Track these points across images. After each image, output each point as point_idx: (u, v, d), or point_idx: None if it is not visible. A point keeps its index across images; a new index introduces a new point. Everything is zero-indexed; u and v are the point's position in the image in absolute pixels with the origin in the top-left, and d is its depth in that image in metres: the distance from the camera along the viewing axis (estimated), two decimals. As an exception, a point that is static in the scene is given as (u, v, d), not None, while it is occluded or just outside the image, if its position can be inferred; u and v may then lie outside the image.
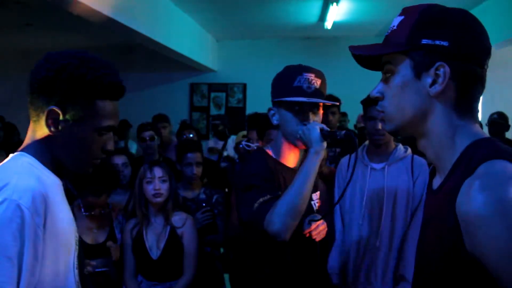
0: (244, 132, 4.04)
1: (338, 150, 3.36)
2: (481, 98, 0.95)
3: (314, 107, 1.63)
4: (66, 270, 1.09)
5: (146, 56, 6.99)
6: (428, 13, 0.91)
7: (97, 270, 2.32)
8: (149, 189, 2.43)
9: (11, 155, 1.12)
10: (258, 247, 1.68)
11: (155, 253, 2.42)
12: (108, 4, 3.96)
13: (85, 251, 2.38)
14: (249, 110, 7.72)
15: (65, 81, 1.06)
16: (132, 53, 7.20)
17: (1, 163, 1.10)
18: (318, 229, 1.66)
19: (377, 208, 2.21)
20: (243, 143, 3.16)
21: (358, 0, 5.60)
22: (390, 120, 0.97)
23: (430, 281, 0.89)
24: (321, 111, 1.67)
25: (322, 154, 1.57)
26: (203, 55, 7.31)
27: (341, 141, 1.54)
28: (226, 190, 3.64)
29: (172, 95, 8.22)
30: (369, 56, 1.00)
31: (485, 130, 4.29)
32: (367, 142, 2.35)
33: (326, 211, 1.92)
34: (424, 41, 0.89)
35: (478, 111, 0.95)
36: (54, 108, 1.07)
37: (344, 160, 2.41)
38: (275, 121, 1.67)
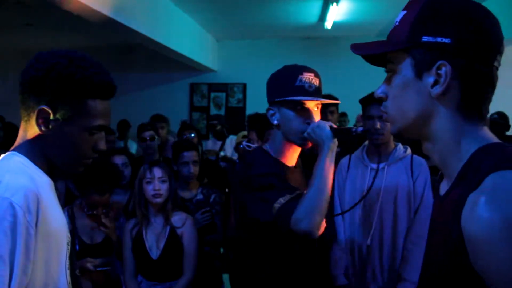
0: (244, 132, 4.04)
1: (338, 149, 3.36)
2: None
3: (315, 106, 1.64)
4: (58, 270, 1.09)
5: (146, 56, 7.00)
6: (430, 6, 0.84)
7: (98, 269, 2.32)
8: (149, 190, 2.43)
9: (2, 155, 1.12)
10: (264, 248, 1.67)
11: (155, 253, 2.42)
12: (108, 4, 3.96)
13: (84, 251, 2.39)
14: (249, 110, 7.72)
15: (54, 80, 1.06)
16: (132, 53, 7.21)
17: None
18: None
19: (378, 208, 2.21)
20: (244, 143, 3.16)
21: (358, 0, 5.60)
22: (393, 122, 0.92)
23: (434, 284, 0.87)
24: (319, 109, 1.68)
25: (335, 150, 1.57)
26: (203, 55, 7.31)
27: (354, 138, 1.55)
28: (227, 190, 3.65)
29: (172, 95, 8.22)
30: (370, 55, 0.94)
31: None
32: (367, 142, 2.35)
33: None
34: (424, 38, 0.83)
35: (487, 112, 0.87)
36: (44, 108, 1.07)
37: (344, 161, 2.41)
38: (275, 120, 1.66)
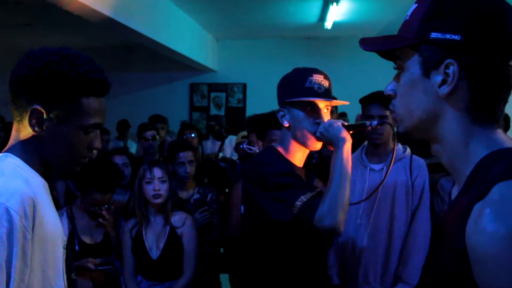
0: (244, 133, 4.04)
1: None
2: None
3: (325, 108, 1.67)
4: (55, 274, 1.06)
5: (146, 56, 7.00)
6: None
7: (99, 268, 2.32)
8: (149, 190, 2.43)
9: None
10: (278, 248, 1.67)
11: (154, 253, 2.42)
12: (108, 4, 3.96)
13: (84, 251, 2.39)
14: (249, 110, 7.72)
15: (47, 79, 1.03)
16: (132, 53, 7.22)
17: None
18: None
19: (375, 208, 2.21)
20: (244, 145, 3.16)
21: (358, 0, 5.60)
22: (401, 122, 0.87)
23: (440, 285, 0.83)
24: (329, 111, 1.71)
25: (350, 146, 1.59)
26: (203, 55, 7.31)
27: (370, 132, 1.54)
28: (226, 190, 3.65)
29: (172, 95, 8.22)
30: (381, 51, 0.89)
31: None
32: (366, 143, 2.35)
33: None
34: (433, 35, 0.77)
35: (502, 114, 0.81)
36: (38, 107, 1.04)
37: None
38: (285, 121, 1.68)
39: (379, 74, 7.08)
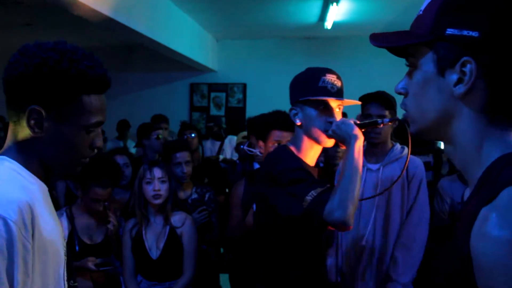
0: (245, 133, 4.04)
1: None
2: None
3: (337, 107, 1.70)
4: (56, 282, 1.03)
5: (146, 56, 7.00)
6: None
7: (101, 269, 2.32)
8: (149, 190, 2.43)
9: None
10: (288, 244, 1.68)
11: (154, 253, 2.42)
12: (108, 4, 3.96)
13: (84, 251, 2.39)
14: (249, 110, 7.72)
15: (46, 77, 0.97)
16: (132, 53, 7.22)
17: None
18: None
19: (371, 208, 2.22)
20: (245, 147, 3.16)
21: (358, 0, 5.60)
22: (412, 122, 0.84)
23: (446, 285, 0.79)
24: (341, 110, 1.74)
25: (362, 144, 1.61)
26: (203, 55, 7.31)
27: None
28: (227, 190, 3.65)
29: (172, 95, 8.22)
30: (389, 48, 0.85)
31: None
32: (365, 143, 2.35)
33: None
34: (449, 31, 0.73)
35: None
36: (36, 108, 0.98)
37: (343, 161, 2.42)
38: (297, 120, 1.71)
39: (379, 74, 7.09)
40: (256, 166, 3.22)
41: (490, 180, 0.71)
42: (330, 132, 1.63)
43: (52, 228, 1.03)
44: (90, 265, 2.30)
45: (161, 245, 2.42)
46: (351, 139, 1.57)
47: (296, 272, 1.68)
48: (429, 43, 0.76)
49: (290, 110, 1.73)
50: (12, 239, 0.89)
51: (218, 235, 2.83)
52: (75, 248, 2.37)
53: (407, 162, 1.64)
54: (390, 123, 1.56)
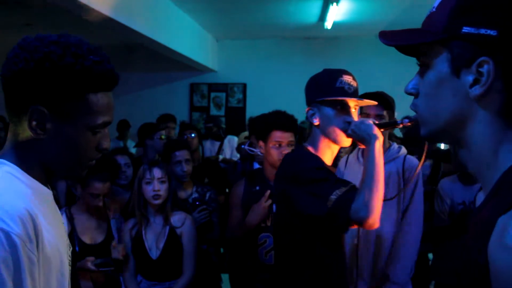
0: (246, 133, 4.05)
1: None
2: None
3: (354, 107, 1.73)
4: None
5: (146, 56, 7.00)
6: None
7: (101, 269, 2.32)
8: (148, 190, 2.43)
9: None
10: (309, 243, 1.69)
11: (154, 253, 2.42)
12: (108, 4, 3.96)
13: (84, 251, 2.38)
14: (249, 110, 7.73)
15: (49, 73, 0.89)
16: (132, 53, 7.21)
17: None
18: None
19: None
20: (246, 147, 3.17)
21: (358, 0, 5.60)
22: (424, 124, 0.79)
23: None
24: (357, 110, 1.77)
25: (382, 144, 1.63)
26: (203, 55, 7.31)
27: (402, 130, 1.57)
28: (227, 190, 3.65)
29: (172, 95, 8.22)
30: (399, 46, 0.80)
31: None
32: None
33: None
34: (465, 29, 0.69)
35: None
36: (38, 107, 0.90)
37: (342, 161, 2.43)
38: (315, 120, 1.72)
39: (378, 74, 7.10)
40: (256, 166, 3.22)
41: (506, 187, 0.68)
42: (349, 131, 1.65)
43: (56, 237, 0.96)
44: (90, 265, 2.30)
45: (161, 245, 2.42)
46: (372, 138, 1.59)
47: (315, 271, 1.68)
48: (443, 41, 0.72)
49: (307, 110, 1.75)
50: (18, 254, 0.83)
51: (219, 235, 2.83)
52: (75, 249, 2.37)
53: (421, 163, 1.63)
54: (409, 124, 1.57)
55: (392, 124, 1.70)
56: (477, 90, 0.70)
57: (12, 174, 0.92)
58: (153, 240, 2.44)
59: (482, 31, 0.68)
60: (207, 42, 7.66)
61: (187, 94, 8.38)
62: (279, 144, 2.32)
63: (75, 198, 2.64)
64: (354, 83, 1.71)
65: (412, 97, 0.83)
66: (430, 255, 3.31)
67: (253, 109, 6.35)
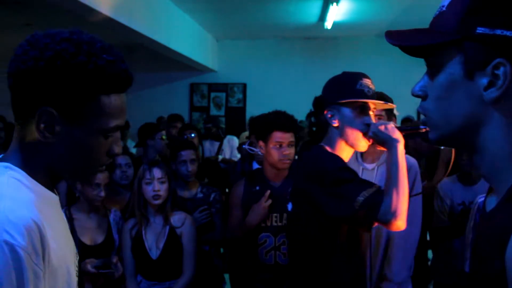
0: (247, 133, 4.05)
1: None
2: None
3: (372, 110, 1.75)
4: None
5: (146, 56, 7.01)
6: None
7: (101, 271, 2.31)
8: (148, 190, 2.42)
9: None
10: (332, 243, 1.70)
11: (154, 253, 2.42)
12: (108, 4, 3.97)
13: (84, 252, 2.38)
14: (249, 110, 7.73)
15: (60, 72, 0.83)
16: (132, 53, 7.21)
17: None
18: None
19: None
20: (246, 146, 3.17)
21: (358, 0, 5.61)
22: (434, 128, 0.76)
23: None
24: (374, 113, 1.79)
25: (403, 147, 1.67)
26: (203, 55, 7.32)
27: (424, 134, 1.59)
28: (227, 190, 3.65)
29: (172, 95, 8.23)
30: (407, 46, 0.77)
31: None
32: None
33: None
34: (479, 30, 0.66)
35: None
36: (48, 109, 0.85)
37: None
38: (334, 122, 1.74)
39: (378, 74, 7.11)
40: (256, 166, 3.22)
41: None
42: (370, 134, 1.67)
43: (63, 247, 0.90)
44: (90, 267, 2.29)
45: (161, 245, 2.42)
46: (394, 142, 1.60)
47: (331, 269, 1.69)
48: (456, 42, 0.69)
49: (325, 112, 1.76)
50: (22, 268, 0.78)
51: (221, 237, 2.83)
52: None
53: (452, 161, 1.67)
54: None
55: (415, 129, 1.72)
56: (493, 93, 0.67)
57: (17, 179, 0.86)
58: (153, 240, 2.44)
59: (498, 31, 0.65)
60: (207, 42, 7.66)
61: (187, 94, 8.38)
62: (279, 145, 2.32)
63: (75, 198, 2.64)
64: (372, 86, 1.74)
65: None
66: (430, 255, 3.31)
67: (253, 109, 6.35)
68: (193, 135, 4.17)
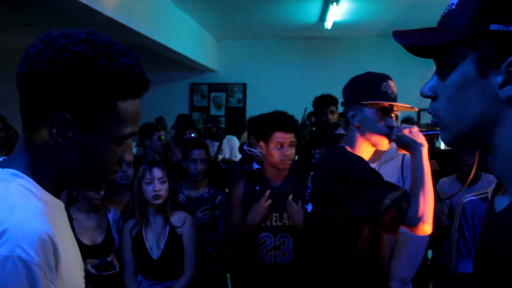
0: (248, 133, 4.05)
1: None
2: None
3: (393, 111, 1.76)
4: None
5: (146, 56, 7.00)
6: None
7: (103, 274, 2.30)
8: (149, 190, 2.42)
9: None
10: (351, 248, 1.69)
11: (155, 253, 2.42)
12: (108, 4, 3.97)
13: (83, 252, 2.37)
14: (249, 110, 7.74)
15: (77, 75, 0.79)
16: (132, 53, 7.22)
17: None
18: None
19: None
20: (245, 147, 3.17)
21: (358, 0, 5.61)
22: (445, 128, 0.74)
23: None
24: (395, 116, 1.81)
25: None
26: (203, 55, 7.32)
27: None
28: (227, 190, 3.65)
29: (172, 95, 8.23)
30: (415, 46, 0.75)
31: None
32: None
33: None
34: (493, 27, 0.64)
35: None
36: (63, 114, 0.80)
37: None
38: (355, 122, 1.74)
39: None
40: (256, 166, 3.22)
41: None
42: (393, 136, 1.67)
43: (71, 256, 0.88)
44: (90, 268, 2.28)
45: (162, 245, 2.42)
46: (418, 146, 1.61)
47: (352, 268, 1.69)
48: (468, 40, 0.67)
49: (348, 111, 1.77)
50: (37, 286, 0.73)
51: (223, 239, 2.83)
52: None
53: (475, 166, 1.68)
54: None
55: (437, 133, 1.73)
56: (508, 91, 0.65)
57: (26, 188, 0.82)
58: (154, 240, 2.44)
59: None
60: (207, 42, 7.66)
61: (187, 94, 8.39)
62: (280, 145, 2.32)
63: (75, 198, 2.64)
64: (395, 89, 1.74)
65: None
66: (430, 255, 3.31)
67: (253, 109, 6.36)
68: (193, 135, 4.17)
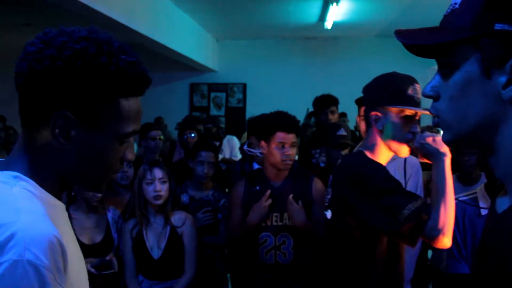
0: (248, 133, 4.05)
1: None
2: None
3: (417, 117, 1.70)
4: None
5: (146, 56, 6.98)
6: None
7: (103, 273, 2.31)
8: (149, 191, 2.42)
9: None
10: (369, 257, 1.66)
11: (156, 253, 2.42)
12: (108, 4, 3.97)
13: (82, 251, 2.38)
14: (249, 110, 7.74)
15: (79, 73, 0.78)
16: (132, 53, 7.22)
17: None
18: None
19: None
20: (245, 147, 3.16)
21: (358, 0, 5.61)
22: (447, 129, 0.73)
23: None
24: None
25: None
26: (203, 55, 7.32)
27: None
28: (226, 190, 3.65)
29: (172, 95, 8.23)
30: (418, 45, 0.74)
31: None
32: None
33: None
34: (497, 26, 0.64)
35: None
36: (65, 113, 0.79)
37: None
38: (379, 126, 1.67)
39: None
40: (256, 166, 3.22)
41: None
42: (416, 144, 1.61)
43: (76, 257, 0.87)
44: (89, 268, 2.28)
45: (163, 245, 2.43)
46: (442, 155, 1.55)
47: (371, 282, 1.66)
48: (471, 39, 0.67)
49: (371, 114, 1.68)
50: None
51: (224, 241, 2.83)
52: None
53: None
54: None
55: None
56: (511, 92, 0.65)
57: (29, 190, 0.80)
58: (155, 240, 2.44)
59: None
60: (207, 42, 7.66)
61: (187, 94, 8.39)
62: (282, 145, 2.31)
63: (74, 198, 2.64)
64: (420, 94, 1.66)
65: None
66: (430, 255, 3.31)
67: (253, 109, 6.36)
68: (193, 135, 4.17)
